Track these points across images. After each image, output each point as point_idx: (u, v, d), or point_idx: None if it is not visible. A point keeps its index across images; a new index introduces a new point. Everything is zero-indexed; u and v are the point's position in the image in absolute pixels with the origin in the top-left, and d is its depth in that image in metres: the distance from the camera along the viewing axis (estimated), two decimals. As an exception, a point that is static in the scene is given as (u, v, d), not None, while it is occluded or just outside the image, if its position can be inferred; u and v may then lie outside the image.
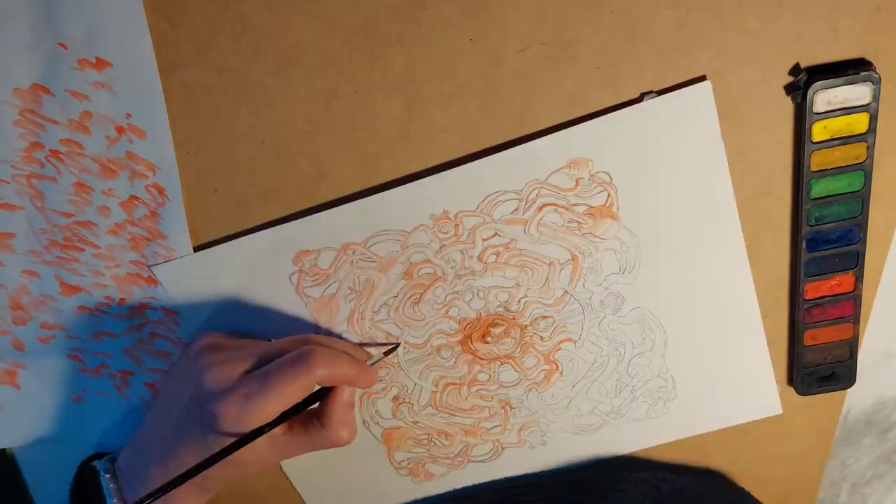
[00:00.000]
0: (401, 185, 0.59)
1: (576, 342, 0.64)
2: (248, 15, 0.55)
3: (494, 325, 0.64)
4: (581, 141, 0.57)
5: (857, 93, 0.55)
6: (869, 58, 0.55)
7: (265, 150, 0.59)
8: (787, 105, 0.56)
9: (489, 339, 0.64)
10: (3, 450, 0.72)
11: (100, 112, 0.57)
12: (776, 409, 0.67)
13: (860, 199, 0.59)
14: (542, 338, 0.64)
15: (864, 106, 0.55)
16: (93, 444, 0.71)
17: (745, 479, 0.71)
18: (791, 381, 0.66)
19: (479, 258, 0.61)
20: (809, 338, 0.64)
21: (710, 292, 0.62)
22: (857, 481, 0.73)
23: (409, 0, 0.54)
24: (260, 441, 0.55)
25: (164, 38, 0.55)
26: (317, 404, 0.58)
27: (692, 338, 0.64)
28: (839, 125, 0.56)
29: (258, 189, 0.60)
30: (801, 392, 0.66)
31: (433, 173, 0.59)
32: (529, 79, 0.56)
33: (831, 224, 0.59)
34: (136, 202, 0.60)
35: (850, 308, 0.63)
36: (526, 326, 0.63)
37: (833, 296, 0.62)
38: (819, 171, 0.57)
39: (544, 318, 0.63)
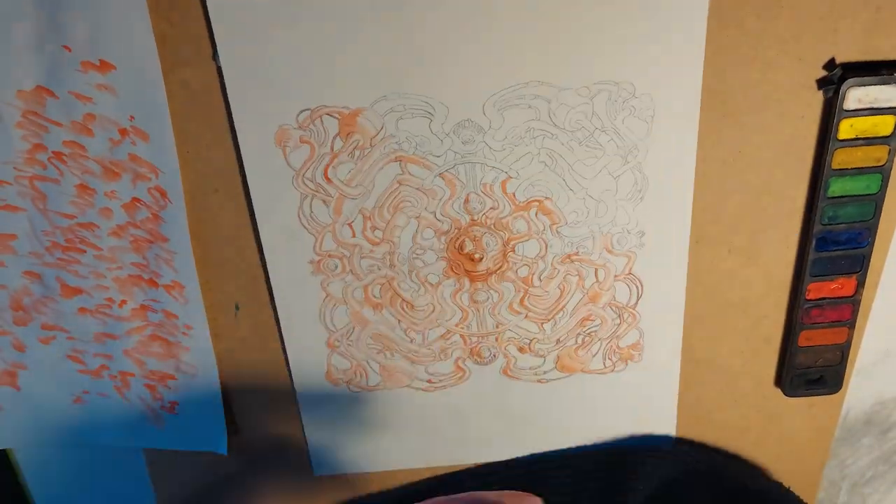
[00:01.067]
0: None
1: (512, 177, 0.59)
2: None
3: (461, 248, 0.61)
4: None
5: (889, 93, 0.54)
6: (869, 58, 0.54)
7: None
8: (788, 105, 0.56)
9: (475, 255, 0.62)
10: (3, 450, 0.71)
11: (103, 114, 0.56)
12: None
13: (874, 203, 0.58)
14: (493, 207, 0.60)
15: (892, 108, 0.54)
16: (92, 445, 0.70)
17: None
18: (779, 381, 0.66)
19: (366, 239, 0.61)
20: (804, 339, 0.63)
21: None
22: (856, 481, 0.72)
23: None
24: None
25: (164, 38, 0.54)
26: None
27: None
28: (865, 125, 0.55)
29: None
30: (788, 393, 0.65)
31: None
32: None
33: (843, 225, 0.58)
34: (138, 204, 0.59)
35: (848, 312, 0.62)
36: (473, 219, 0.60)
37: (833, 298, 0.61)
38: (839, 169, 0.56)
39: (467, 201, 0.60)
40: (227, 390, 0.67)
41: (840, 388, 0.65)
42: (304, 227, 0.60)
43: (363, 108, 0.56)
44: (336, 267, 0.62)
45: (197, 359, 0.65)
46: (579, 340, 0.65)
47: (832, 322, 0.62)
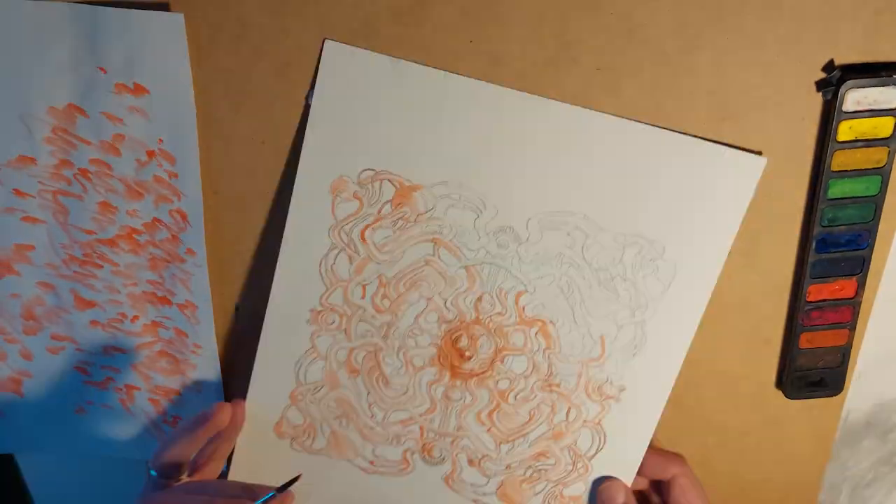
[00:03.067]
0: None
1: (528, 291, 0.60)
2: (248, 16, 0.54)
3: (456, 341, 0.62)
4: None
5: (888, 95, 0.54)
6: (869, 61, 0.54)
7: (265, 151, 0.59)
8: (788, 107, 0.56)
9: (466, 353, 0.62)
10: (7, 454, 0.71)
11: (132, 136, 0.57)
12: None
13: (874, 205, 0.58)
14: (500, 313, 0.61)
15: (891, 110, 0.55)
16: (93, 454, 0.70)
17: (746, 482, 0.70)
18: (780, 383, 0.65)
19: (373, 304, 0.62)
20: (805, 341, 0.62)
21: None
22: (857, 483, 0.72)
23: (409, 1, 0.54)
24: None
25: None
26: None
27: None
28: (865, 127, 0.55)
29: (258, 190, 0.60)
30: (789, 395, 0.65)
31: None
32: (529, 81, 0.56)
33: (843, 227, 0.58)
34: (158, 225, 0.59)
35: (849, 314, 0.62)
36: (479, 318, 0.61)
37: (834, 300, 0.61)
38: (839, 171, 0.56)
39: (479, 299, 0.61)
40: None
41: (841, 390, 0.65)
42: (321, 275, 0.61)
43: (422, 186, 0.58)
44: (333, 322, 0.62)
45: (203, 376, 0.66)
46: (528, 474, 0.65)
47: (833, 324, 0.62)
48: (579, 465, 0.64)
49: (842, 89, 0.54)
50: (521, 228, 0.58)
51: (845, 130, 0.55)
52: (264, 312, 0.63)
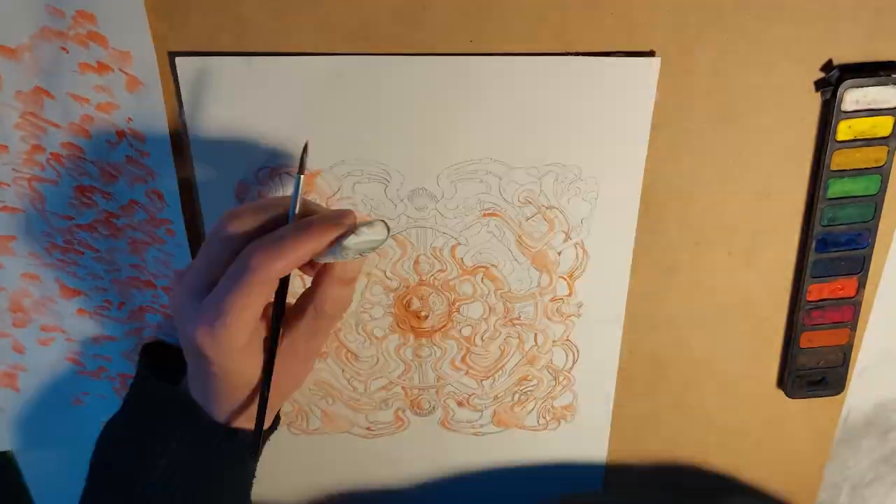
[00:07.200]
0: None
1: (461, 243, 0.60)
2: (248, 17, 0.53)
3: (408, 305, 0.62)
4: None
5: (887, 94, 0.54)
6: (869, 60, 0.54)
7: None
8: (787, 107, 0.56)
9: (421, 313, 0.63)
10: (4, 451, 0.72)
11: (101, 116, 0.56)
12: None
13: (874, 204, 0.58)
14: (441, 270, 0.61)
15: (890, 109, 0.55)
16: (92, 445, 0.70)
17: (746, 481, 0.71)
18: (781, 383, 0.66)
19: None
20: (806, 340, 0.63)
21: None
22: (857, 483, 0.72)
23: (409, 2, 0.53)
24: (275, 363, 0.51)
25: (163, 39, 0.54)
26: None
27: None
28: (864, 126, 0.55)
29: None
30: (790, 395, 0.65)
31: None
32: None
33: (843, 226, 0.59)
34: (135, 206, 0.59)
35: (850, 313, 0.62)
36: (422, 279, 0.62)
37: (834, 299, 0.61)
38: (838, 171, 0.57)
39: (417, 262, 0.61)
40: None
41: (843, 389, 0.66)
42: None
43: (321, 170, 0.57)
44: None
45: (195, 360, 0.65)
46: (516, 398, 0.67)
47: (833, 323, 0.62)
48: (561, 378, 0.66)
49: (840, 89, 0.54)
50: (432, 187, 0.58)
51: (844, 130, 0.55)
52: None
